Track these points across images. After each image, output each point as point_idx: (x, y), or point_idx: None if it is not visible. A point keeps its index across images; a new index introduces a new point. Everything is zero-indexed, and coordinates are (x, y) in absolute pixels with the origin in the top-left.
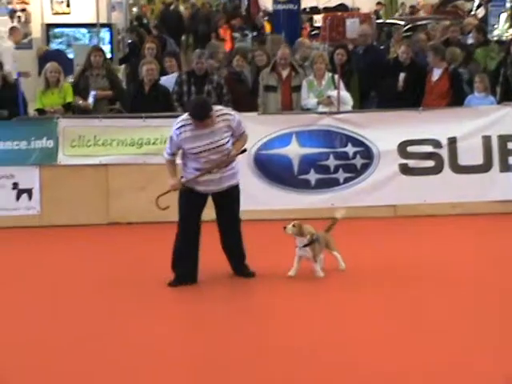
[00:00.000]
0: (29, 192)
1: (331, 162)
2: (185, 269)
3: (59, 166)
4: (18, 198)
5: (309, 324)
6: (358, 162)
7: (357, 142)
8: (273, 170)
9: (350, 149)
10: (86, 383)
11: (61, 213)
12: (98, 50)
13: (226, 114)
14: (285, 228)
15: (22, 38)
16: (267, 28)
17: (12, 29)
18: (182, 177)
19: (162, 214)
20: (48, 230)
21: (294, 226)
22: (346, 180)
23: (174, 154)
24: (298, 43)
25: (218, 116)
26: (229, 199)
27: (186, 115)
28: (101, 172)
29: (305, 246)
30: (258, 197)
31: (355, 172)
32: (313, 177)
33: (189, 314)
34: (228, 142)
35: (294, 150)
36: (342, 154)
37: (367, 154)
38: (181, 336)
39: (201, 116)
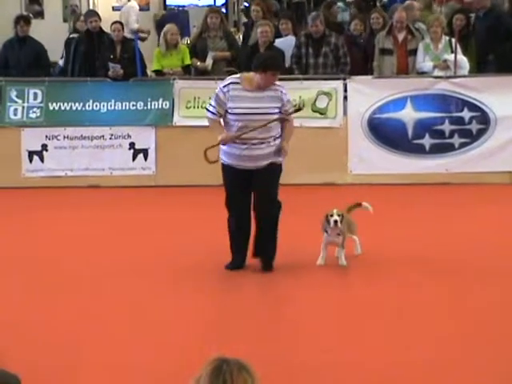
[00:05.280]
0: (145, 152)
1: (446, 127)
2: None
3: (174, 126)
4: (134, 158)
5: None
6: (474, 127)
7: (473, 107)
8: (386, 134)
9: (465, 113)
10: None
11: (175, 173)
12: (214, 11)
13: (279, 85)
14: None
15: (146, 3)
16: None
17: None
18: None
19: None
20: (163, 189)
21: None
22: (462, 145)
23: (218, 115)
24: (408, 5)
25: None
26: (265, 179)
27: (236, 76)
28: None
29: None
30: (371, 161)
31: (471, 137)
32: (427, 141)
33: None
34: (274, 113)
35: (409, 114)
36: (458, 118)
37: (483, 119)
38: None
39: (276, 65)
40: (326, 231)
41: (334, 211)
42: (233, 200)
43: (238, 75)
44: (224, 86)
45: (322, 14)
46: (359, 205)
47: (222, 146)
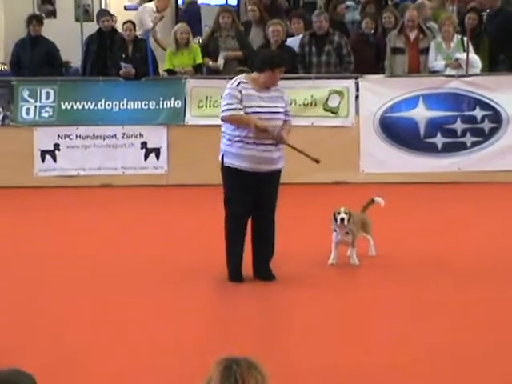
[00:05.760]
0: (157, 151)
1: (458, 126)
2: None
3: (186, 125)
4: (146, 157)
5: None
6: (487, 125)
7: (485, 106)
8: (398, 133)
9: (478, 112)
10: None
11: (187, 172)
12: (226, 10)
13: (279, 86)
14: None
15: (165, 8)
16: None
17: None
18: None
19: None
20: (174, 189)
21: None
22: (474, 144)
23: (239, 110)
24: (419, 4)
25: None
26: (272, 184)
27: (242, 76)
28: None
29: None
30: (383, 160)
31: (483, 136)
32: (439, 140)
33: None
34: (281, 112)
35: (421, 113)
36: (470, 117)
37: (496, 117)
38: None
39: (283, 62)
40: (335, 230)
41: (342, 209)
42: (236, 204)
43: (242, 75)
44: (236, 85)
45: (327, 13)
46: (372, 201)
47: (230, 149)
